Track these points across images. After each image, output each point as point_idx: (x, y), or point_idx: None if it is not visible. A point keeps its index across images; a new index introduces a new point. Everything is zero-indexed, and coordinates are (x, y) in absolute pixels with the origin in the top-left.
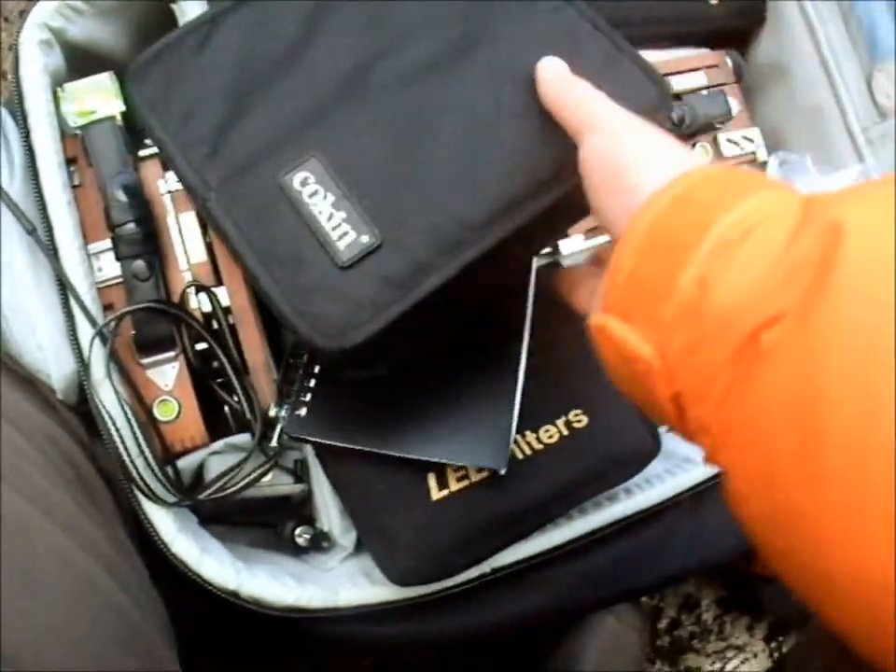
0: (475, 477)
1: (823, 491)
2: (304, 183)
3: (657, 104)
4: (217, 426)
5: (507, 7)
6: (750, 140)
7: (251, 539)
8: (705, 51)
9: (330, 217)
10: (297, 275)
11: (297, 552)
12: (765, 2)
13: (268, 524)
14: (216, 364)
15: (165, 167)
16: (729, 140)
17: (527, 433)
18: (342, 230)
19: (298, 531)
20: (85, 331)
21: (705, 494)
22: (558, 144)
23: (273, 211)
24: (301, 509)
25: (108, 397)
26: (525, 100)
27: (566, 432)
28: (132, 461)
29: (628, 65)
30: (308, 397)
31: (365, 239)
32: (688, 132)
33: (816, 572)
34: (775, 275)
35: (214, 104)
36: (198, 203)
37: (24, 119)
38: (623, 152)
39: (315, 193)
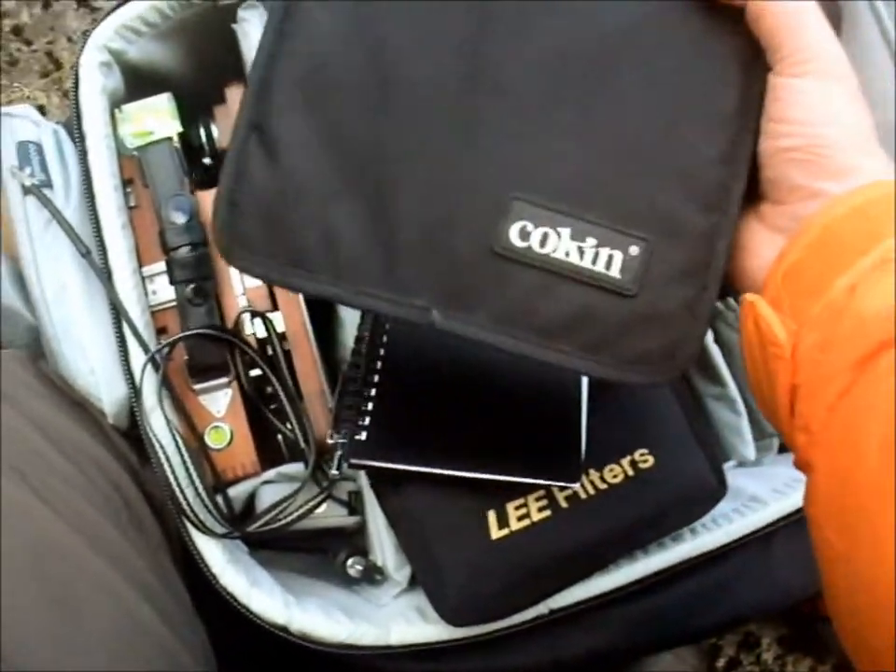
0: (537, 516)
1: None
2: (525, 235)
3: None
4: (269, 453)
5: None
6: None
7: (301, 564)
8: None
9: (582, 253)
10: (592, 333)
11: (348, 582)
12: (840, 18)
13: (319, 550)
14: (269, 390)
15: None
16: None
17: (591, 472)
18: (604, 257)
19: (350, 562)
20: (137, 356)
21: (773, 534)
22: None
23: (514, 284)
24: (354, 538)
25: (159, 424)
26: (680, 33)
27: (631, 472)
28: (181, 491)
29: None
30: (366, 421)
31: (634, 250)
32: None
33: (865, 579)
34: None
35: (343, 205)
36: (423, 331)
37: (82, 140)
38: (849, 124)
39: (545, 238)
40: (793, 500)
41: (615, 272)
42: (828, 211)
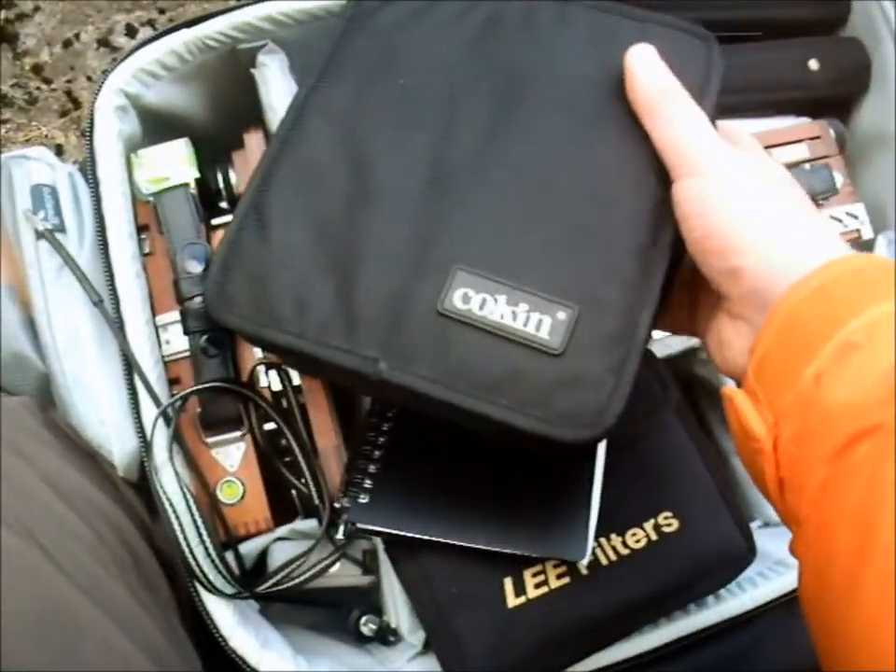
0: (555, 583)
1: (861, 600)
2: (466, 299)
3: (706, 59)
4: (282, 507)
5: (520, 35)
6: (854, 216)
7: (312, 619)
8: (805, 121)
9: (515, 316)
10: (522, 388)
11: (360, 640)
12: (870, 68)
13: (332, 605)
14: (283, 443)
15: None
16: (832, 217)
17: (613, 536)
18: (535, 320)
19: (363, 620)
20: (149, 409)
21: (797, 599)
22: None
23: (454, 342)
24: (367, 596)
25: (170, 480)
26: (597, 106)
27: (655, 537)
28: (191, 550)
29: (663, 31)
30: (370, 483)
31: (562, 315)
32: None
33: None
34: (884, 387)
35: (318, 277)
36: (370, 381)
37: (96, 186)
38: (735, 208)
39: (484, 302)
40: None
41: (544, 333)
42: (789, 296)
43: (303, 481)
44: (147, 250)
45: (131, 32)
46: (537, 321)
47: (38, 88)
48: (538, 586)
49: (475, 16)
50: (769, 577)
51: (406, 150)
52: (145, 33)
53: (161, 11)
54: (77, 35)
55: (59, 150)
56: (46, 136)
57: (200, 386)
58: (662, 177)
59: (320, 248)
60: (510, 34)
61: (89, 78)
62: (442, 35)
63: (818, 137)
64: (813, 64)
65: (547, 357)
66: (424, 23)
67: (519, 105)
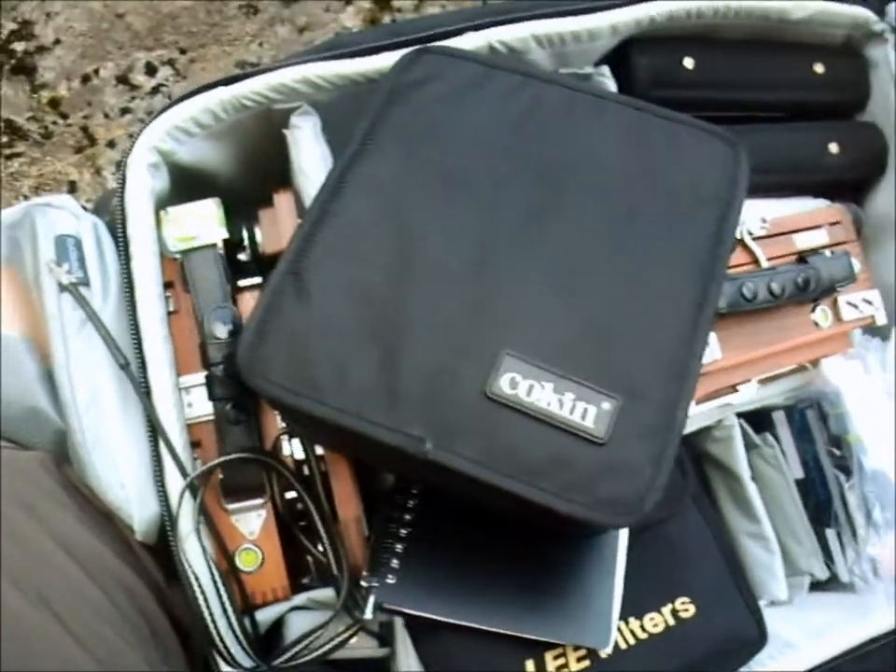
0: (575, 667)
1: None
2: (514, 384)
3: (734, 163)
4: (299, 571)
5: (560, 125)
6: (870, 302)
7: None
8: (823, 203)
9: (562, 404)
10: (566, 474)
11: None
12: (887, 152)
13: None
14: (300, 507)
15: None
16: (849, 303)
17: (631, 620)
18: (580, 409)
19: None
20: (173, 477)
21: None
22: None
23: (501, 425)
24: (379, 662)
25: (194, 550)
26: (632, 200)
27: (672, 622)
28: (214, 623)
29: (692, 132)
30: (396, 563)
31: (607, 406)
32: (812, 296)
33: None
34: None
35: (360, 348)
36: (412, 460)
37: (126, 244)
38: None
39: (531, 388)
40: (827, 648)
41: (589, 422)
42: None
43: (321, 549)
44: (171, 308)
45: (150, 70)
46: (582, 410)
47: (55, 122)
48: (559, 669)
49: (518, 101)
50: (778, 659)
51: (452, 228)
52: (164, 72)
53: (182, 51)
54: (96, 71)
55: (72, 187)
56: (59, 172)
57: (227, 458)
58: (702, 272)
59: (363, 319)
60: (550, 122)
61: (106, 115)
62: (486, 117)
63: (837, 222)
64: (833, 148)
65: (591, 444)
66: (467, 103)
67: (559, 193)
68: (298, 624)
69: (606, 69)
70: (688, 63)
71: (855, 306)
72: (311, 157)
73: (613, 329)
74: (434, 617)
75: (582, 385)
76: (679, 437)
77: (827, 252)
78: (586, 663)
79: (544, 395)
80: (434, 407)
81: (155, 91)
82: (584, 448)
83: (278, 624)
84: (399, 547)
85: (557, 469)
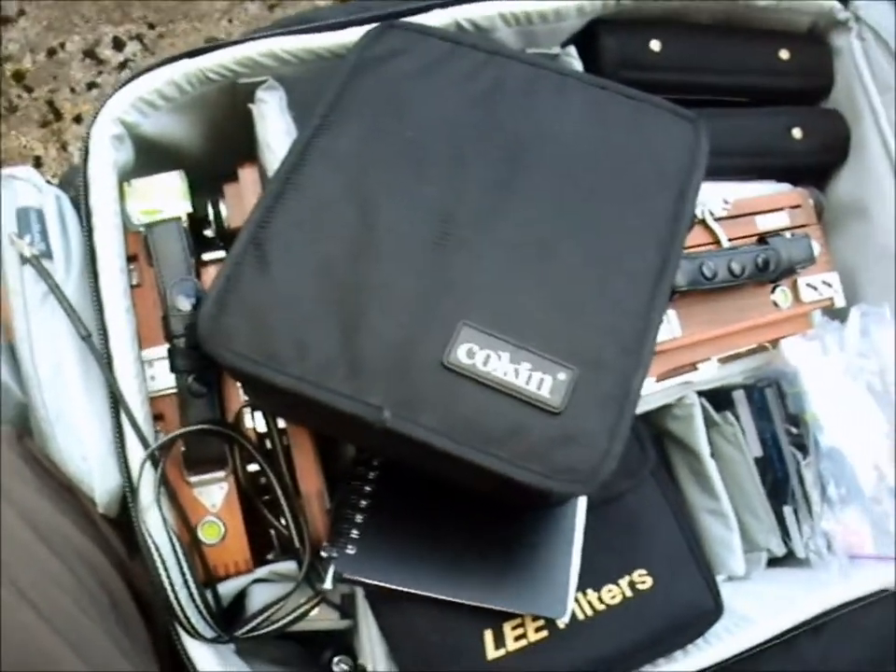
0: (533, 637)
1: None
2: (471, 354)
3: (694, 140)
4: (261, 545)
5: (523, 102)
6: (829, 285)
7: (282, 653)
8: (786, 187)
9: (518, 374)
10: (522, 443)
11: None
12: (849, 139)
13: (304, 641)
14: (263, 480)
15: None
16: (808, 285)
17: (589, 592)
18: (536, 379)
19: (336, 660)
20: (135, 449)
21: (761, 653)
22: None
23: (458, 396)
24: (341, 635)
25: (156, 522)
26: (593, 176)
27: (629, 593)
28: (175, 594)
29: (654, 111)
30: (356, 533)
31: (563, 376)
32: (771, 277)
33: None
34: None
35: (320, 319)
36: (371, 430)
37: (88, 216)
38: None
39: (488, 358)
40: (783, 621)
41: (545, 392)
42: None
43: (284, 522)
44: (135, 281)
45: (118, 45)
46: (539, 380)
47: (19, 96)
48: (517, 639)
49: (481, 78)
50: (734, 632)
51: (413, 201)
52: (132, 47)
53: (151, 26)
54: (62, 45)
55: (37, 162)
56: (24, 147)
57: (188, 429)
58: (660, 246)
59: (324, 290)
60: (514, 100)
61: (72, 90)
62: (450, 93)
63: (798, 206)
64: (796, 133)
65: (547, 414)
66: (432, 79)
67: (522, 169)
68: (260, 597)
69: (573, 50)
70: (654, 45)
71: (814, 288)
72: (276, 131)
73: (571, 302)
74: (393, 587)
75: (539, 355)
76: (634, 407)
77: (787, 234)
78: (544, 633)
79: (501, 365)
80: (393, 377)
81: (122, 66)
82: (540, 417)
83: (241, 598)
84: (359, 518)
85: (513, 438)
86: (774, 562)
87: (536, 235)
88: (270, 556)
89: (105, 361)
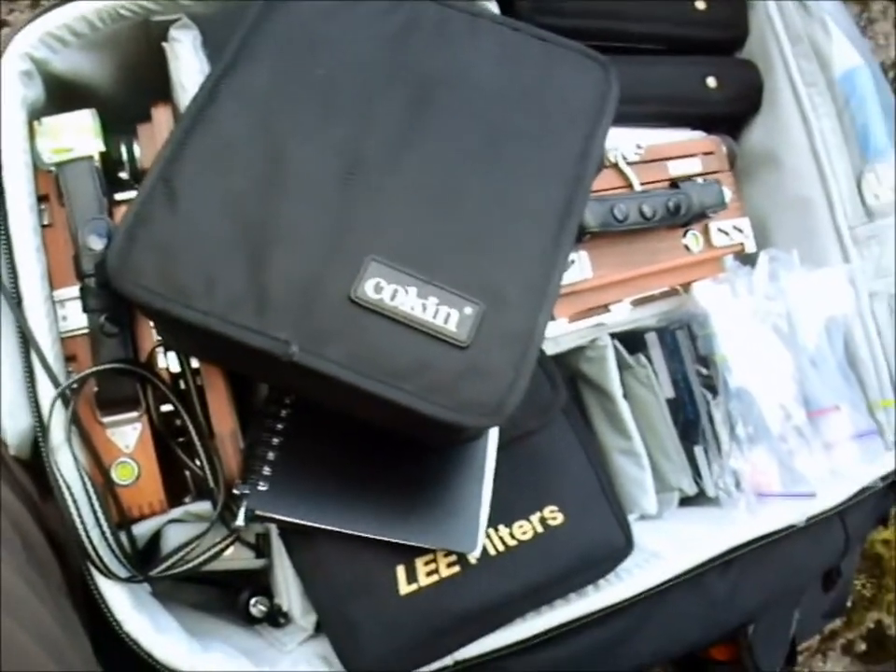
0: (445, 572)
1: None
2: (378, 288)
3: (604, 83)
4: (176, 487)
5: (434, 42)
6: (740, 230)
7: (201, 597)
8: (699, 135)
9: (425, 308)
10: (428, 376)
11: (249, 621)
12: (762, 89)
13: (221, 585)
14: (178, 423)
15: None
16: (720, 230)
17: (501, 528)
18: (443, 313)
19: (253, 601)
20: (46, 389)
21: (671, 588)
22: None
23: (365, 330)
24: (256, 577)
25: (66, 462)
26: (502, 116)
27: (540, 529)
28: (87, 533)
29: (565, 53)
30: (268, 470)
31: (469, 311)
32: (682, 221)
33: None
34: None
35: (228, 255)
36: (279, 364)
37: None
38: None
39: (395, 293)
40: (692, 557)
41: (452, 326)
42: None
43: (198, 463)
44: (46, 221)
45: None
46: (445, 314)
47: None
48: (429, 574)
49: (394, 18)
50: (645, 568)
51: (322, 139)
52: None
53: None
54: None
55: None
56: None
57: (99, 368)
58: (566, 186)
59: (231, 226)
60: (425, 39)
61: None
62: (362, 32)
63: (711, 153)
64: (711, 82)
65: (454, 348)
66: (344, 18)
67: (431, 108)
68: (175, 537)
69: None
70: None
71: (726, 233)
72: (190, 71)
73: (478, 239)
74: (304, 523)
75: (446, 290)
76: (540, 342)
77: (699, 180)
78: (456, 568)
79: (408, 299)
80: (300, 312)
81: (35, 4)
82: (447, 351)
83: (157, 540)
84: (271, 455)
85: (420, 371)
86: (686, 501)
87: (442, 173)
88: (187, 500)
89: (14, 301)
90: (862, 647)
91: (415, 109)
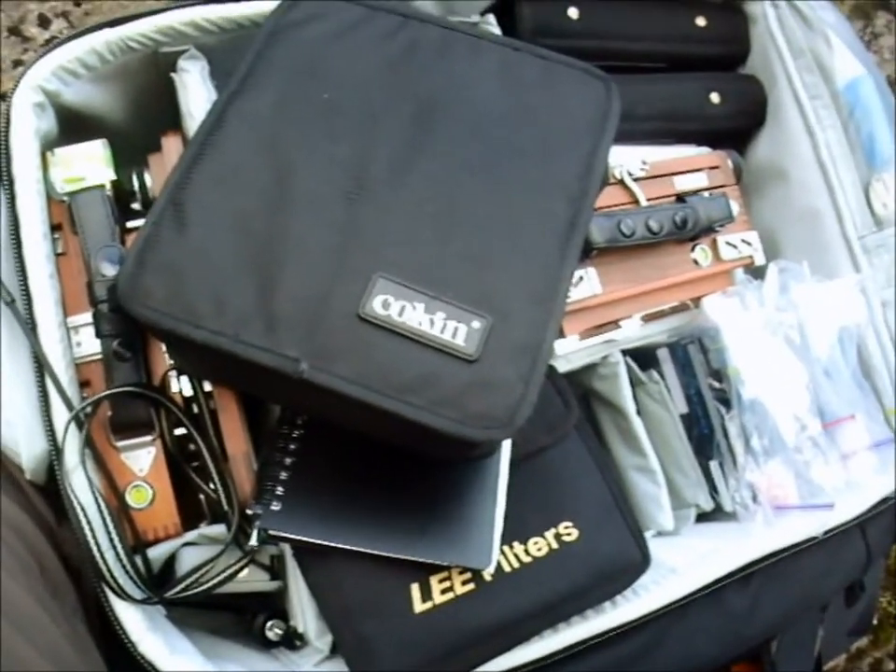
0: (460, 590)
1: None
2: (386, 305)
3: (605, 99)
4: (191, 510)
5: (436, 64)
6: (749, 243)
7: (216, 623)
8: (705, 150)
9: (433, 323)
10: (436, 390)
11: (266, 645)
12: (766, 104)
13: (237, 610)
14: (192, 447)
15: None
16: (728, 243)
17: (515, 544)
18: (451, 328)
19: (269, 624)
20: (60, 412)
21: (689, 604)
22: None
23: (373, 346)
24: (272, 600)
25: (81, 485)
26: (505, 134)
27: (555, 545)
28: (101, 555)
29: (566, 70)
30: (281, 490)
31: (477, 325)
32: (690, 235)
33: None
34: None
35: (237, 275)
36: (289, 382)
37: (10, 184)
38: None
39: (403, 309)
40: (709, 573)
41: (460, 340)
42: None
43: (212, 486)
44: (60, 250)
45: (44, 22)
46: (453, 329)
47: None
48: (444, 592)
49: (396, 41)
50: (662, 583)
51: (328, 160)
52: (58, 24)
53: (77, 3)
54: None
55: None
56: None
57: (112, 391)
58: (570, 201)
59: (240, 247)
60: (427, 61)
61: None
62: (365, 56)
63: (717, 167)
64: (714, 97)
65: (462, 362)
66: (347, 42)
67: (434, 126)
68: (189, 560)
69: (492, 18)
70: (572, 12)
71: (734, 246)
72: (199, 100)
73: (484, 254)
74: (318, 542)
75: (453, 305)
76: (548, 355)
77: (706, 194)
78: (471, 586)
79: (416, 315)
80: (309, 329)
81: (48, 43)
82: (455, 365)
83: (172, 563)
84: (283, 475)
85: (428, 385)
86: (703, 517)
87: (447, 190)
88: (202, 525)
89: (28, 326)
90: (890, 666)
91: (419, 128)
